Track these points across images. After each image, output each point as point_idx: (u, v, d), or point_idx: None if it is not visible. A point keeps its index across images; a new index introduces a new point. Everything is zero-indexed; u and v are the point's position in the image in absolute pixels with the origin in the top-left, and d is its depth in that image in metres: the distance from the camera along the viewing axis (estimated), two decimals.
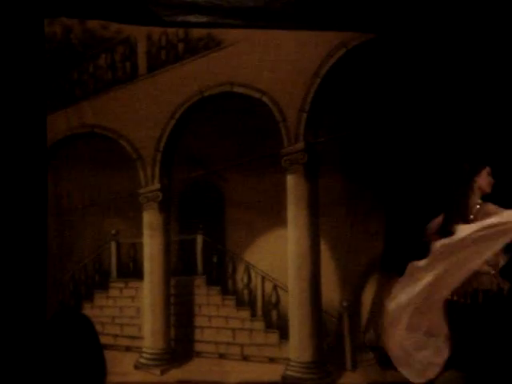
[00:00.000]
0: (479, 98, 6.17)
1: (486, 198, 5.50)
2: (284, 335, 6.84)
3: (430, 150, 6.39)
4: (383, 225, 6.79)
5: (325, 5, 6.35)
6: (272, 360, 6.83)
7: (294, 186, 6.88)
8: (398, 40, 6.41)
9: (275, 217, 6.89)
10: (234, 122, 6.94)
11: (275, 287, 6.90)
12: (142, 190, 7.12)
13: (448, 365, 4.96)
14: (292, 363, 6.80)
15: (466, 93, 6.25)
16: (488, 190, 5.44)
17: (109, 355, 3.15)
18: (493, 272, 5.23)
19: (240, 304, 6.97)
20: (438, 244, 4.99)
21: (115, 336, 7.03)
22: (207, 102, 6.98)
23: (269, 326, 6.83)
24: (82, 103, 7.06)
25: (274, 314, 6.92)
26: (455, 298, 5.23)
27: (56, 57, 6.93)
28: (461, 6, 6.01)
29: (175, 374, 6.97)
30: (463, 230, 4.96)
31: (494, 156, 5.68)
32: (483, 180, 5.42)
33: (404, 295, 5.00)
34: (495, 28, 5.97)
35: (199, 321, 7.01)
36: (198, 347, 6.98)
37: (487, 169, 5.45)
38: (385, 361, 6.48)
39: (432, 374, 5.01)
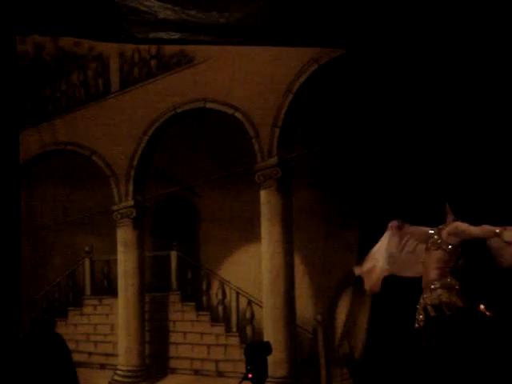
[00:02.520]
0: (448, 109, 6.23)
1: None
2: None
3: (403, 162, 6.43)
4: (358, 238, 6.81)
5: (296, 21, 6.38)
6: None
7: (267, 201, 6.89)
8: (369, 55, 6.45)
9: (249, 232, 6.90)
10: (208, 138, 6.95)
11: (250, 302, 6.90)
12: (115, 207, 7.11)
13: (421, 377, 4.99)
14: (267, 378, 6.79)
15: (435, 104, 6.30)
16: None
17: (83, 373, 3.15)
18: (457, 287, 5.29)
19: (215, 320, 6.97)
20: None
21: (89, 353, 7.01)
22: (180, 118, 6.99)
23: (244, 341, 6.82)
24: (54, 120, 7.06)
25: (248, 329, 6.92)
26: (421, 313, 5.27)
27: (28, 74, 6.93)
28: (430, 22, 6.06)
29: None
30: None
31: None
32: None
33: None
34: (462, 44, 6.02)
35: (174, 337, 6.99)
36: (173, 363, 6.97)
37: None
38: (359, 375, 6.51)
39: None
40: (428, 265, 5.37)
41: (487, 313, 5.09)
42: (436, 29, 6.01)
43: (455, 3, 5.90)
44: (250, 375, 3.70)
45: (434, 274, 5.32)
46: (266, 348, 3.85)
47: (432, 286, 5.30)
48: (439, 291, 5.28)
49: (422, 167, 6.21)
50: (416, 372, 5.18)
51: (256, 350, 3.80)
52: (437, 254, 5.34)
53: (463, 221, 5.34)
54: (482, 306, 5.21)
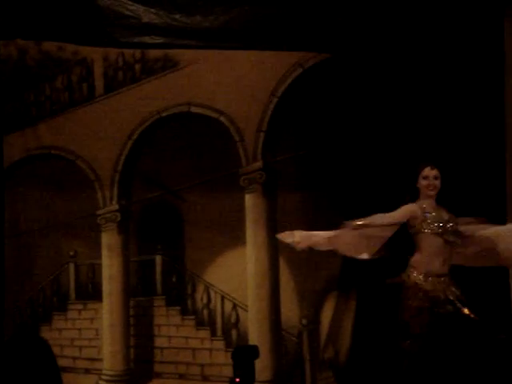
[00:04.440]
0: (433, 113, 6.26)
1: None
2: None
3: (387, 165, 6.45)
4: None
5: (280, 26, 6.40)
6: None
7: (252, 204, 6.90)
8: (353, 59, 6.48)
9: (234, 236, 6.91)
10: (192, 142, 6.95)
11: (235, 306, 6.90)
12: (100, 211, 7.10)
13: (405, 380, 5.01)
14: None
15: (419, 108, 6.33)
16: (427, 191, 5.45)
17: (68, 378, 3.15)
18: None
19: (200, 324, 6.97)
20: None
21: (74, 358, 6.99)
22: (165, 122, 6.99)
23: (229, 345, 6.82)
24: (38, 124, 7.04)
25: (233, 333, 6.92)
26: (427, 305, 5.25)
27: (12, 78, 6.91)
28: (413, 25, 6.10)
29: None
30: None
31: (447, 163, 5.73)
32: (420, 183, 5.47)
33: None
34: (446, 47, 6.07)
35: (159, 341, 6.98)
36: (158, 368, 6.96)
37: (424, 172, 5.47)
38: (343, 378, 6.52)
39: None
40: (441, 254, 5.32)
41: (472, 316, 5.12)
42: (419, 34, 6.05)
43: (439, 9, 5.94)
44: (237, 379, 3.70)
45: (448, 264, 5.33)
46: (254, 352, 3.85)
47: (447, 279, 5.30)
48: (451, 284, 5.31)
49: (407, 171, 6.23)
50: (400, 376, 5.19)
51: (243, 354, 3.80)
52: (441, 241, 5.35)
53: None
54: (466, 310, 5.23)
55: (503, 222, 5.82)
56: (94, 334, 7.05)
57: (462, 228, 5.40)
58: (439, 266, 5.31)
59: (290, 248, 6.79)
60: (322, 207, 6.84)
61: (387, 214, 5.41)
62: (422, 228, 5.34)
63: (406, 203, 5.44)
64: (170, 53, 6.86)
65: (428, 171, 5.44)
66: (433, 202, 5.44)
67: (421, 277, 5.32)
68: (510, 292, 5.98)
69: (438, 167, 5.50)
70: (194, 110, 6.92)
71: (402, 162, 6.30)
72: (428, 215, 5.37)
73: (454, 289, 5.33)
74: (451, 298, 5.28)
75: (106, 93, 7.05)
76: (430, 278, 5.31)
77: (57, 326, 7.06)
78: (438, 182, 5.43)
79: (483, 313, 5.16)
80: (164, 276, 7.08)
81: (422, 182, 5.44)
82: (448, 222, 5.36)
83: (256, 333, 6.79)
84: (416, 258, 5.36)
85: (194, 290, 7.02)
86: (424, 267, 5.32)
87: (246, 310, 6.86)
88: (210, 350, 6.90)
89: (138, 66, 7.01)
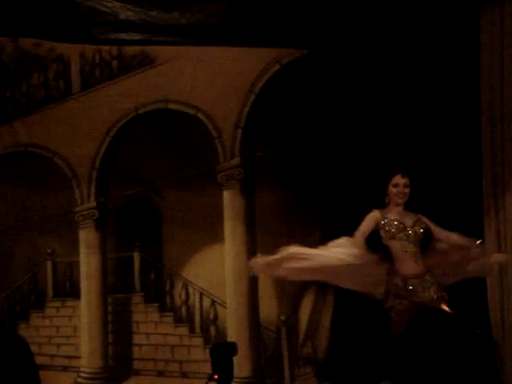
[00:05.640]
0: (409, 110, 6.27)
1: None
2: None
3: (365, 162, 6.46)
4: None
5: (258, 22, 6.40)
6: None
7: (230, 201, 6.90)
8: (330, 56, 6.49)
9: (212, 233, 6.91)
10: (170, 138, 6.95)
11: (213, 303, 6.91)
12: (77, 209, 7.08)
13: (383, 375, 5.03)
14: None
15: (396, 104, 6.34)
16: (396, 199, 5.45)
17: (46, 375, 3.13)
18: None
19: (178, 321, 6.97)
20: None
21: (52, 356, 6.97)
22: (142, 119, 6.98)
23: (207, 342, 6.83)
24: (15, 122, 7.01)
25: (212, 329, 6.92)
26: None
27: None
28: (390, 21, 6.11)
29: None
30: None
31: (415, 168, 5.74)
32: (389, 190, 5.47)
33: None
34: (423, 45, 6.09)
35: (137, 338, 6.98)
36: (137, 365, 6.95)
37: (394, 180, 5.47)
38: (322, 374, 6.54)
39: None
40: (409, 257, 5.33)
41: (448, 311, 5.14)
42: (394, 33, 6.07)
43: (415, 9, 5.95)
44: (215, 376, 3.70)
45: (421, 265, 5.33)
46: (232, 349, 3.85)
47: (429, 278, 5.31)
48: (434, 283, 5.33)
49: (384, 170, 6.25)
50: (379, 371, 5.21)
51: (222, 351, 3.81)
52: (416, 248, 5.36)
53: None
54: (443, 305, 5.25)
55: (480, 228, 5.88)
56: (72, 331, 7.03)
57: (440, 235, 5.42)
58: (413, 268, 5.32)
59: (267, 245, 6.82)
60: (300, 203, 6.85)
61: (352, 238, 5.40)
62: (385, 235, 5.36)
63: (369, 211, 5.44)
64: (147, 49, 6.85)
65: (398, 179, 5.44)
66: (400, 209, 5.45)
67: (399, 281, 5.34)
68: (486, 286, 6.02)
69: (409, 175, 5.50)
70: (171, 106, 6.92)
71: (377, 163, 6.32)
72: (387, 221, 5.39)
73: (435, 288, 5.33)
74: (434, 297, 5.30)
75: (83, 90, 7.03)
76: (408, 281, 5.32)
77: (34, 324, 7.04)
78: (407, 190, 5.44)
79: (459, 307, 5.19)
80: (142, 273, 7.07)
81: (392, 190, 5.44)
82: (412, 227, 5.37)
83: (234, 329, 6.80)
84: (391, 265, 5.38)
85: (172, 287, 7.02)
86: (400, 272, 5.34)
87: (225, 307, 6.86)
88: (189, 346, 6.91)
89: (114, 63, 7.00)
